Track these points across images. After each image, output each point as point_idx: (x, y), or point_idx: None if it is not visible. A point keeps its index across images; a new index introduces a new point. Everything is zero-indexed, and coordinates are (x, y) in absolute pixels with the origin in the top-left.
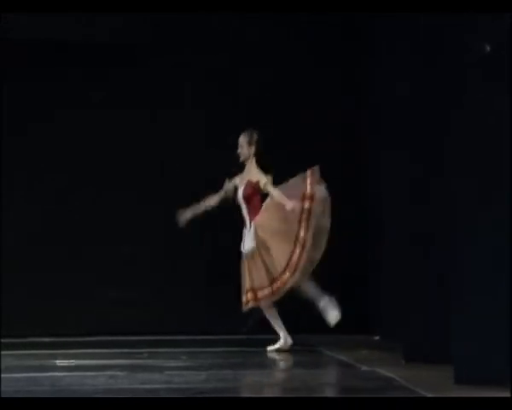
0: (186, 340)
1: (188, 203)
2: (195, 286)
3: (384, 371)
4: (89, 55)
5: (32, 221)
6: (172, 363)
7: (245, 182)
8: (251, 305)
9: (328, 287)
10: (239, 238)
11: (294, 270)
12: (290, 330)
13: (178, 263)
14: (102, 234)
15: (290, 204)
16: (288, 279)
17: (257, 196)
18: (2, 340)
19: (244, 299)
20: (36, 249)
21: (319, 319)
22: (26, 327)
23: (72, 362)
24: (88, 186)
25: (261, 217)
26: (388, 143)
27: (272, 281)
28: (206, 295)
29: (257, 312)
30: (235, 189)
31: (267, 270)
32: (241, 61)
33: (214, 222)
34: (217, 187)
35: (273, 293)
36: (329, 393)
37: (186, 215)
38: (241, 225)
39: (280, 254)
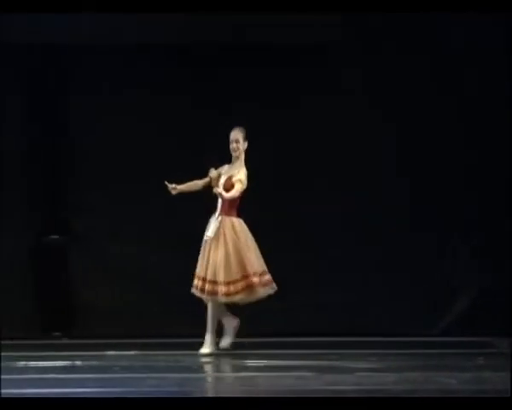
0: (375, 342)
1: None
2: (391, 288)
3: None
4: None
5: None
6: (362, 365)
7: (228, 175)
8: (196, 293)
9: None
10: None
11: (235, 292)
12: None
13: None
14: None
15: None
16: (222, 292)
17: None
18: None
19: (196, 283)
20: None
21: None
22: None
23: (263, 362)
24: None
25: (231, 228)
26: None
27: (208, 281)
28: (397, 296)
29: (454, 313)
30: (219, 176)
31: (207, 266)
32: None
33: None
34: None
35: (204, 292)
36: None
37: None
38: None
39: (218, 265)
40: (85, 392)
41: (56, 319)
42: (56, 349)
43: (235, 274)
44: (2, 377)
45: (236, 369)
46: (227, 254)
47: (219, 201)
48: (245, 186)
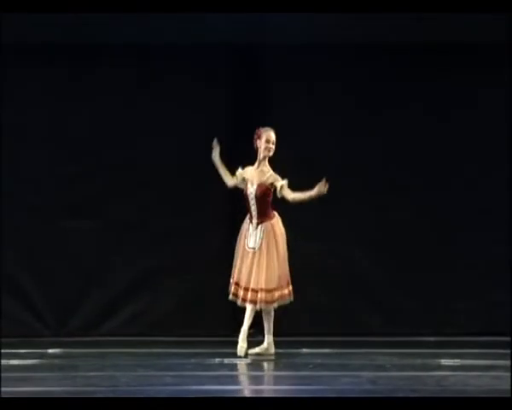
0: None
1: None
2: None
3: None
4: None
5: None
6: None
7: (258, 181)
8: (238, 302)
9: None
10: None
11: (274, 300)
12: None
13: None
14: None
15: (315, 191)
16: (261, 300)
17: (269, 197)
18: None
19: (236, 291)
20: None
21: None
22: (412, 327)
23: (457, 361)
24: None
25: (275, 232)
26: None
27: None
28: None
29: None
30: (243, 180)
31: (254, 275)
32: None
33: None
34: None
35: (251, 301)
36: None
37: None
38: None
39: (275, 274)
40: (278, 389)
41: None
42: (251, 346)
43: (283, 279)
44: (193, 373)
45: (429, 368)
46: (278, 259)
47: (252, 208)
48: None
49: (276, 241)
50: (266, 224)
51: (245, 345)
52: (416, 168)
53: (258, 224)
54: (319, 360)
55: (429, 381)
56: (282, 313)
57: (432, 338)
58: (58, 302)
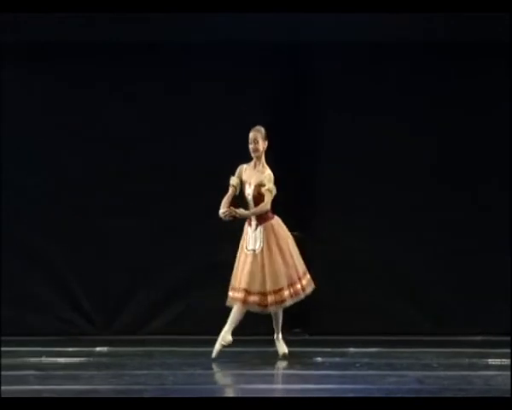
0: None
1: None
2: None
3: None
4: None
5: None
6: None
7: (255, 182)
8: (236, 304)
9: None
10: None
11: (284, 299)
12: None
13: None
14: None
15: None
16: (272, 302)
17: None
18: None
19: (236, 295)
20: None
21: None
22: (459, 326)
23: (505, 361)
24: None
25: (275, 230)
26: None
27: (261, 293)
28: None
29: None
30: (241, 182)
31: (256, 277)
32: None
33: None
34: None
35: (258, 305)
36: None
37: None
38: None
39: (281, 273)
40: (325, 388)
41: (297, 316)
42: (297, 346)
43: (293, 276)
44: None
45: (477, 368)
46: (282, 257)
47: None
48: (275, 192)
49: (277, 239)
50: (265, 224)
51: (219, 347)
52: (463, 167)
53: (257, 225)
54: (366, 359)
55: (476, 380)
56: (329, 312)
57: (479, 337)
58: (105, 301)
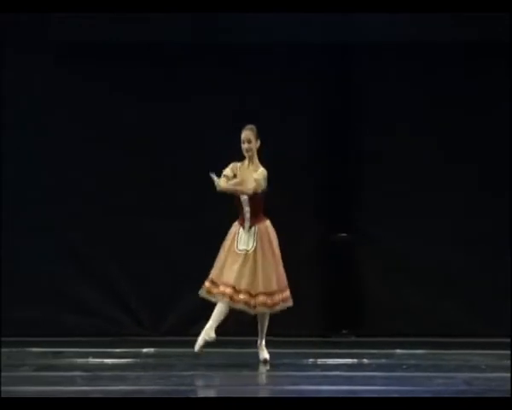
0: None
1: None
2: None
3: None
4: None
5: None
6: None
7: (250, 179)
8: (212, 298)
9: None
10: None
11: (275, 303)
12: None
13: None
14: None
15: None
16: (263, 303)
17: (260, 196)
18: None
19: (225, 290)
20: None
21: None
22: (508, 328)
23: None
24: None
25: (269, 234)
26: None
27: (250, 294)
28: None
29: None
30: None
31: (244, 276)
32: None
33: None
34: None
35: (246, 304)
36: None
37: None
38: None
39: (273, 277)
40: (372, 390)
41: (345, 317)
42: (344, 347)
43: (282, 282)
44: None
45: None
46: (275, 261)
47: (246, 209)
48: (263, 186)
49: (270, 243)
50: (259, 226)
51: (202, 343)
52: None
53: (250, 226)
54: (413, 361)
55: None
56: (376, 314)
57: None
58: (153, 302)
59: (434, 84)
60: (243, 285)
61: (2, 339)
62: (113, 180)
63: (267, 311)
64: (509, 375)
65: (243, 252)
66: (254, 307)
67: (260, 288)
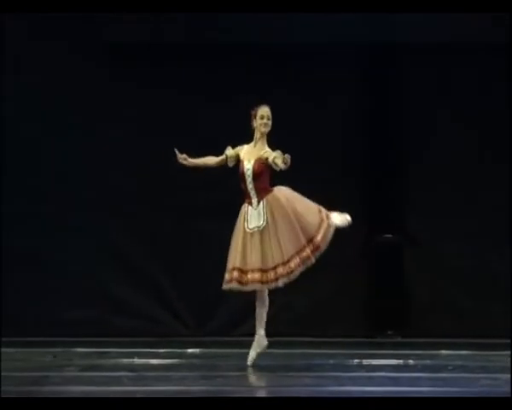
0: None
1: None
2: None
3: None
4: None
5: None
6: None
7: (255, 157)
8: (234, 286)
9: None
10: None
11: (292, 270)
12: None
13: None
14: None
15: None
16: (281, 274)
17: (267, 173)
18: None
19: (227, 277)
20: None
21: None
22: None
23: None
24: None
25: (279, 200)
26: None
27: (266, 269)
28: None
29: None
30: (238, 159)
31: (264, 255)
32: None
33: None
34: None
35: (262, 282)
36: None
37: (188, 160)
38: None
39: (287, 243)
40: (417, 391)
41: (390, 318)
42: (390, 348)
43: (301, 240)
44: (332, 374)
45: None
46: (290, 223)
47: (250, 187)
48: (278, 155)
49: (281, 207)
50: (267, 197)
51: (255, 356)
52: None
53: (258, 201)
54: (459, 362)
55: None
56: (422, 315)
57: None
58: (197, 303)
59: (477, 84)
60: (255, 264)
61: (49, 339)
62: (158, 180)
63: (287, 280)
64: None
65: (256, 230)
66: (267, 282)
67: (276, 260)
